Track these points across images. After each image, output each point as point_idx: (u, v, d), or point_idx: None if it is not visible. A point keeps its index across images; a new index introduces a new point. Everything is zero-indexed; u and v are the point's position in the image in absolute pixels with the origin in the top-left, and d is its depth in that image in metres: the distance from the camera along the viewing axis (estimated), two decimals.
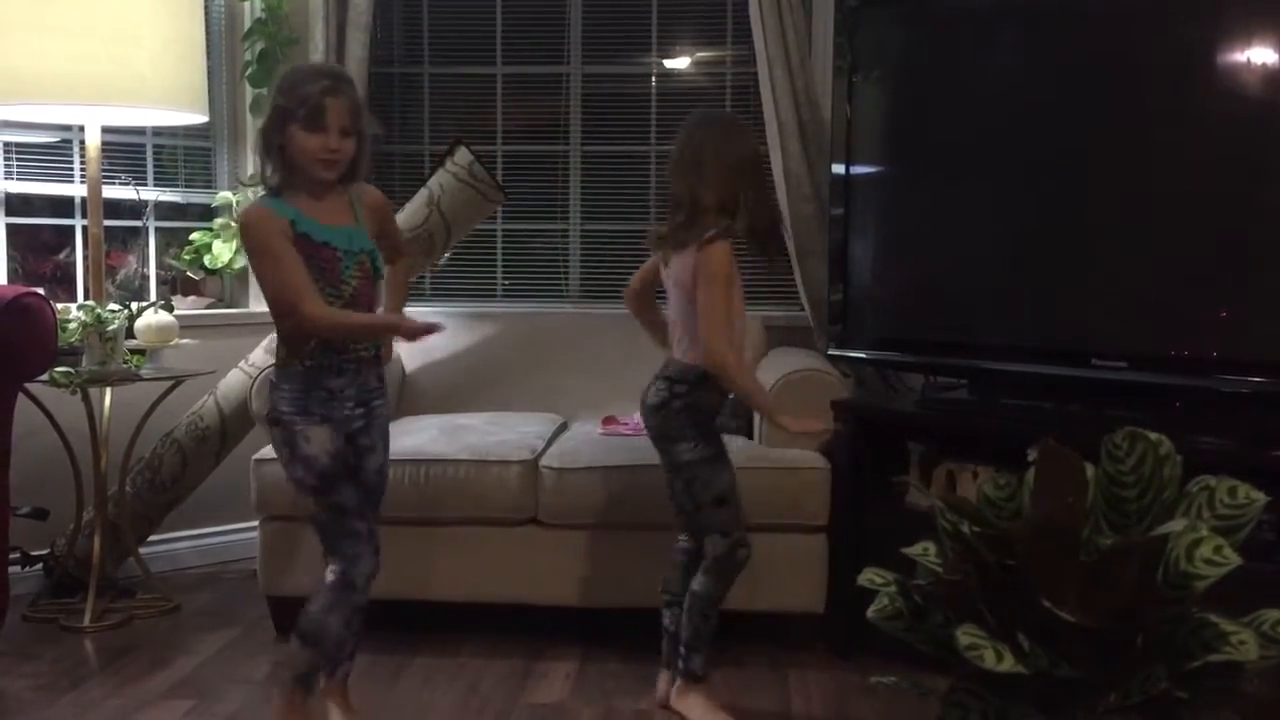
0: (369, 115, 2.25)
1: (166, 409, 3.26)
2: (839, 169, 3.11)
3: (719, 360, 2.38)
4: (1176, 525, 1.56)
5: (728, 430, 3.17)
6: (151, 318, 3.24)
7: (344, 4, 3.67)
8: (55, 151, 3.52)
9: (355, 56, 3.67)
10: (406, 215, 3.36)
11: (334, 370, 2.22)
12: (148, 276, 3.71)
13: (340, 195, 2.24)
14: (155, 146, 3.72)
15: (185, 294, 3.71)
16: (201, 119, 3.28)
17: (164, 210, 3.74)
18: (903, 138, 3.05)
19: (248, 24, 3.72)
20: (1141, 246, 2.57)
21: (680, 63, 3.97)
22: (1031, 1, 2.78)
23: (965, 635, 1.51)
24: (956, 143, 2.89)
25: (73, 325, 3.07)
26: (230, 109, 3.81)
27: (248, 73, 3.69)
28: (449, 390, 3.60)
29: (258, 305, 3.79)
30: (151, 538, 3.46)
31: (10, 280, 3.41)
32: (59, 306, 2.91)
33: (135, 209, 3.63)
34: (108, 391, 3.18)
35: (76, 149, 3.50)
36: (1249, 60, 2.38)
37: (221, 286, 3.82)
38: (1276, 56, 2.34)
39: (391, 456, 2.89)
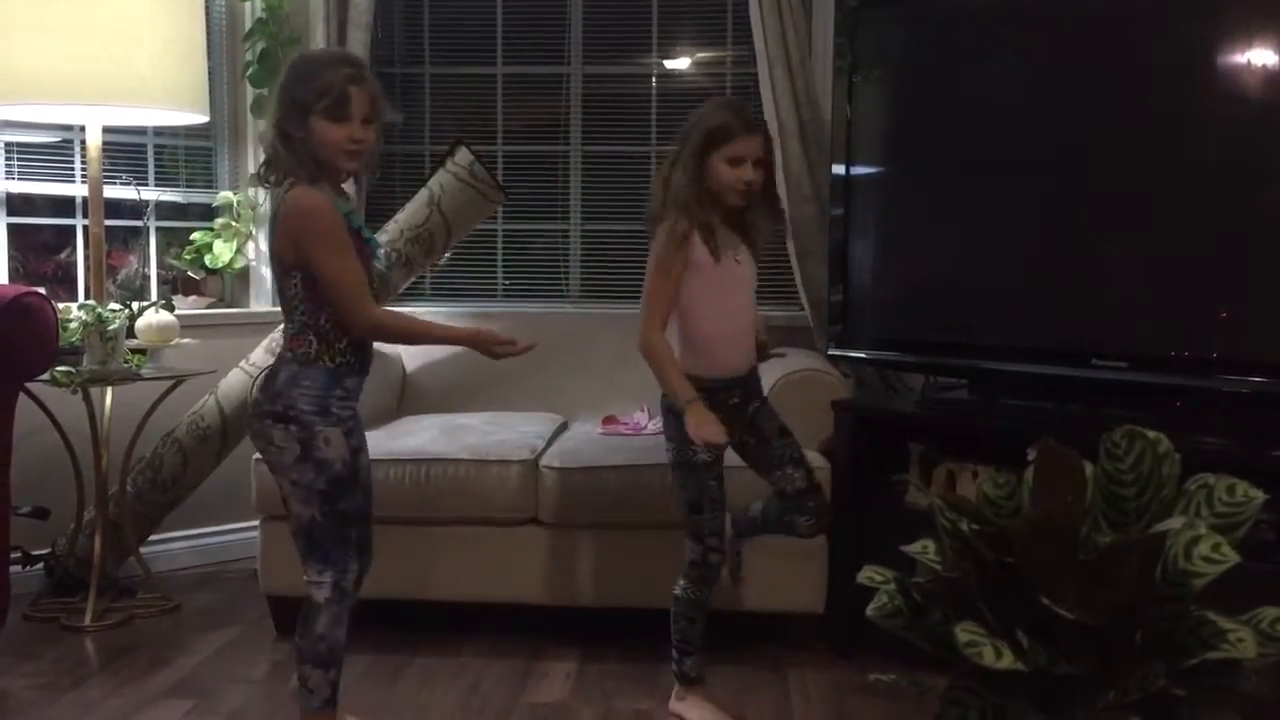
0: (388, 104, 2.17)
1: (167, 409, 3.26)
2: (839, 169, 3.11)
3: (642, 346, 2.37)
4: (1175, 523, 1.56)
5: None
6: (152, 317, 3.25)
7: (345, 4, 3.67)
8: (56, 151, 3.53)
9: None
10: (407, 215, 3.36)
11: (357, 369, 2.18)
12: (148, 276, 3.71)
13: (345, 191, 2.22)
14: (156, 146, 3.73)
15: (186, 294, 3.71)
16: (202, 119, 3.28)
17: (165, 210, 3.74)
18: (903, 138, 3.05)
19: (248, 24, 3.72)
20: (1141, 247, 2.58)
21: (680, 63, 3.97)
22: (1032, 2, 2.78)
23: (964, 632, 1.52)
24: (957, 143, 2.89)
25: (74, 325, 3.08)
26: (231, 109, 3.82)
27: (248, 73, 3.69)
28: (449, 390, 3.60)
29: (258, 305, 3.80)
30: (152, 537, 3.46)
31: (11, 280, 3.41)
32: (60, 306, 2.91)
33: (136, 209, 3.63)
34: (108, 391, 3.18)
35: (77, 149, 3.51)
36: (1249, 61, 2.38)
37: (222, 286, 3.82)
38: (1277, 57, 2.34)
39: (393, 456, 2.93)
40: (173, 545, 3.61)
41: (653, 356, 2.37)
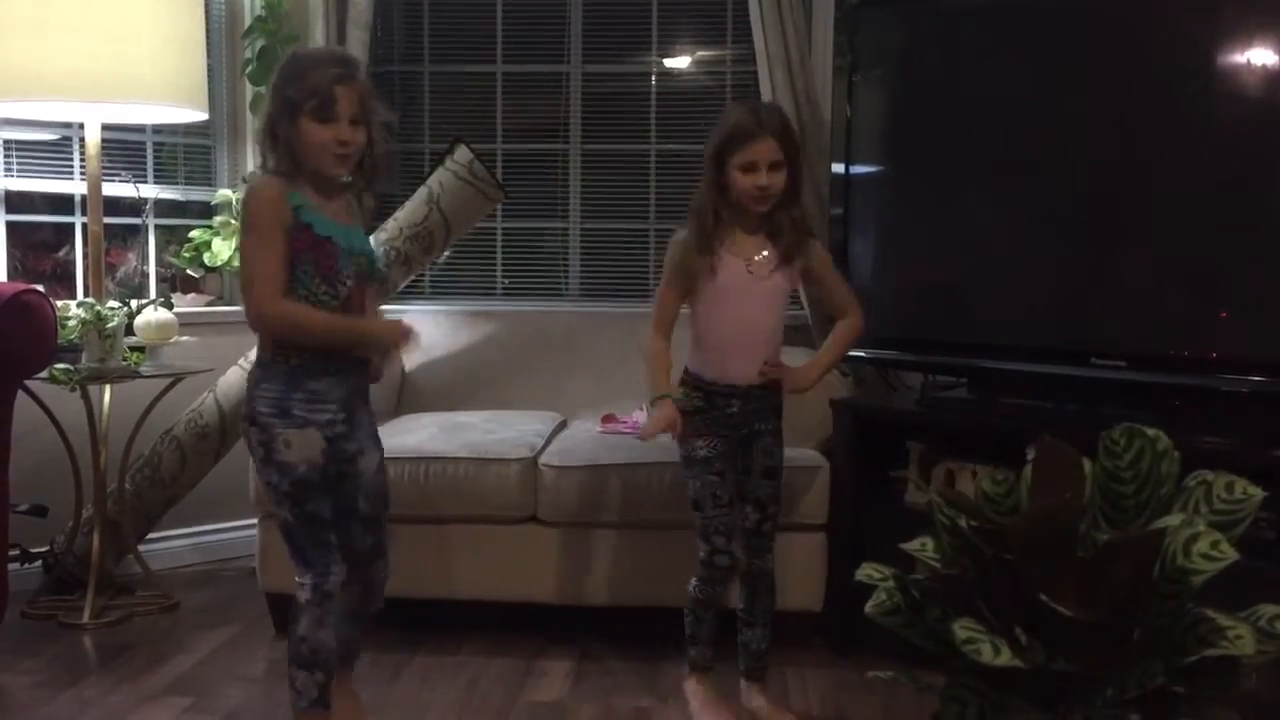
0: (380, 103, 2.14)
1: (166, 406, 3.26)
2: (839, 168, 3.11)
3: (646, 346, 2.43)
4: (1174, 520, 1.56)
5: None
6: (151, 315, 3.25)
7: (344, 2, 3.67)
8: (55, 149, 3.53)
9: (355, 55, 3.67)
10: (406, 213, 3.36)
11: (321, 370, 2.10)
12: (147, 274, 3.71)
13: (344, 194, 2.16)
14: (155, 144, 3.73)
15: (185, 291, 3.71)
16: (201, 116, 3.28)
17: (164, 207, 3.74)
18: (903, 137, 3.05)
19: (248, 21, 3.73)
20: (1141, 246, 2.57)
21: (680, 62, 3.97)
22: (1032, 1, 2.78)
23: (963, 629, 1.51)
24: (956, 142, 2.89)
25: (72, 322, 3.07)
26: (230, 106, 3.82)
27: (248, 70, 3.70)
28: (448, 388, 3.60)
29: None
30: (151, 535, 3.46)
31: (10, 277, 3.41)
32: (59, 304, 2.91)
33: (135, 206, 3.63)
34: (107, 389, 3.18)
35: (76, 146, 3.51)
36: (1250, 61, 2.38)
37: (221, 284, 3.82)
38: (1277, 57, 2.34)
39: (391, 455, 2.90)
40: (171, 543, 3.61)
41: (647, 357, 2.44)
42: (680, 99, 3.93)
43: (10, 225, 3.45)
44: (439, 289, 4.02)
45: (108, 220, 3.32)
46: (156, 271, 3.75)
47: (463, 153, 3.30)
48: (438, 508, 2.92)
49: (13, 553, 2.92)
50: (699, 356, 2.45)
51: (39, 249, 3.59)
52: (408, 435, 3.07)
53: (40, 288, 2.77)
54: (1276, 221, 2.41)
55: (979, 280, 2.87)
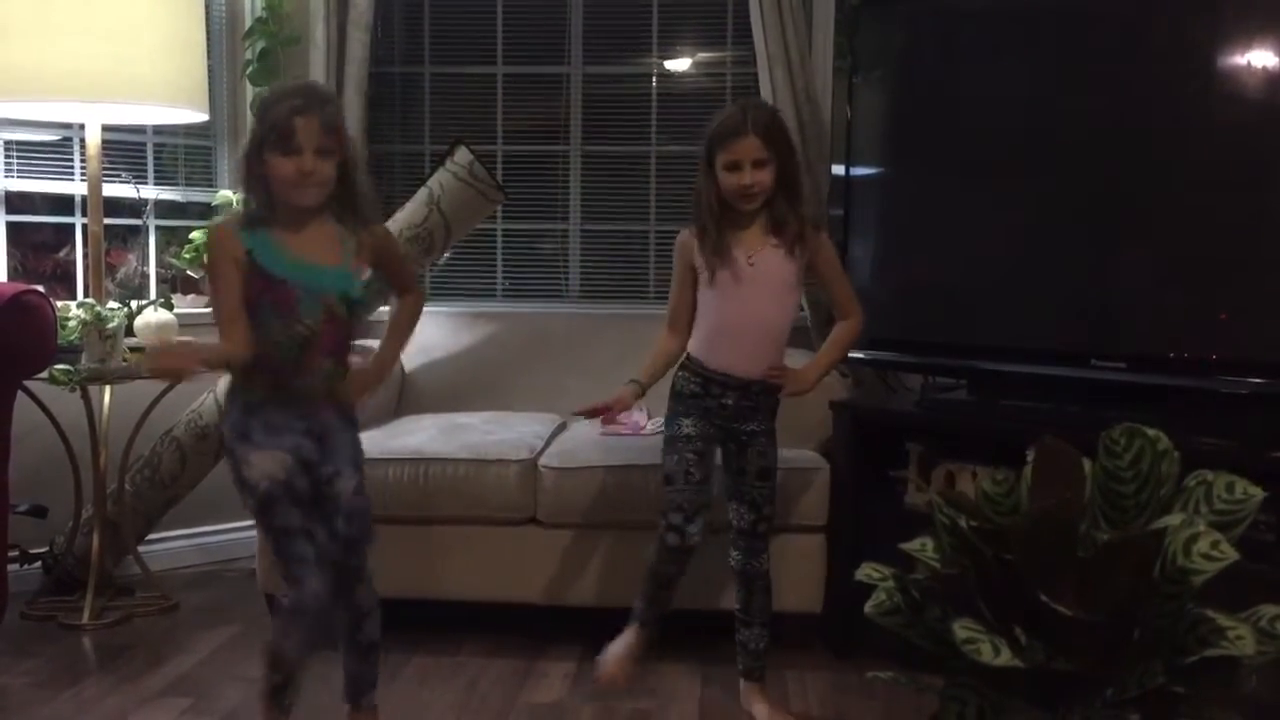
0: (349, 137, 2.11)
1: (166, 407, 3.26)
2: (839, 170, 3.11)
3: None
4: (1174, 520, 1.56)
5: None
6: (151, 316, 3.25)
7: (345, 3, 3.68)
8: (56, 149, 3.53)
9: (356, 56, 3.68)
10: (407, 214, 3.37)
11: (274, 401, 2.11)
12: (147, 275, 3.71)
13: (325, 227, 2.12)
14: (155, 145, 3.73)
15: (185, 292, 3.71)
16: (202, 117, 3.28)
17: (164, 208, 3.74)
18: (903, 138, 3.05)
19: (249, 22, 3.73)
20: (1140, 248, 2.57)
21: (681, 63, 3.98)
22: (1032, 2, 2.78)
23: (962, 629, 1.51)
24: (957, 143, 2.89)
25: (72, 323, 3.07)
26: (231, 107, 3.82)
27: (248, 71, 3.70)
28: (448, 390, 3.60)
29: None
30: (150, 536, 3.46)
31: (10, 278, 3.41)
32: (59, 304, 2.91)
33: (135, 207, 3.63)
34: (107, 389, 3.18)
35: (77, 147, 3.51)
36: (1250, 61, 2.38)
37: None
38: (1278, 58, 2.35)
39: (391, 456, 2.93)
40: (171, 544, 3.60)
41: None
42: (680, 100, 3.93)
43: (10, 226, 3.45)
44: (439, 290, 4.02)
45: (108, 221, 3.32)
46: (157, 272, 3.75)
47: (463, 154, 3.30)
48: (437, 509, 2.92)
49: (12, 553, 2.92)
50: (702, 344, 2.48)
51: (39, 250, 3.59)
52: (408, 436, 3.07)
53: (40, 288, 2.77)
54: (1277, 222, 2.41)
55: (979, 281, 2.87)
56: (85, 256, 3.44)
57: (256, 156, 2.05)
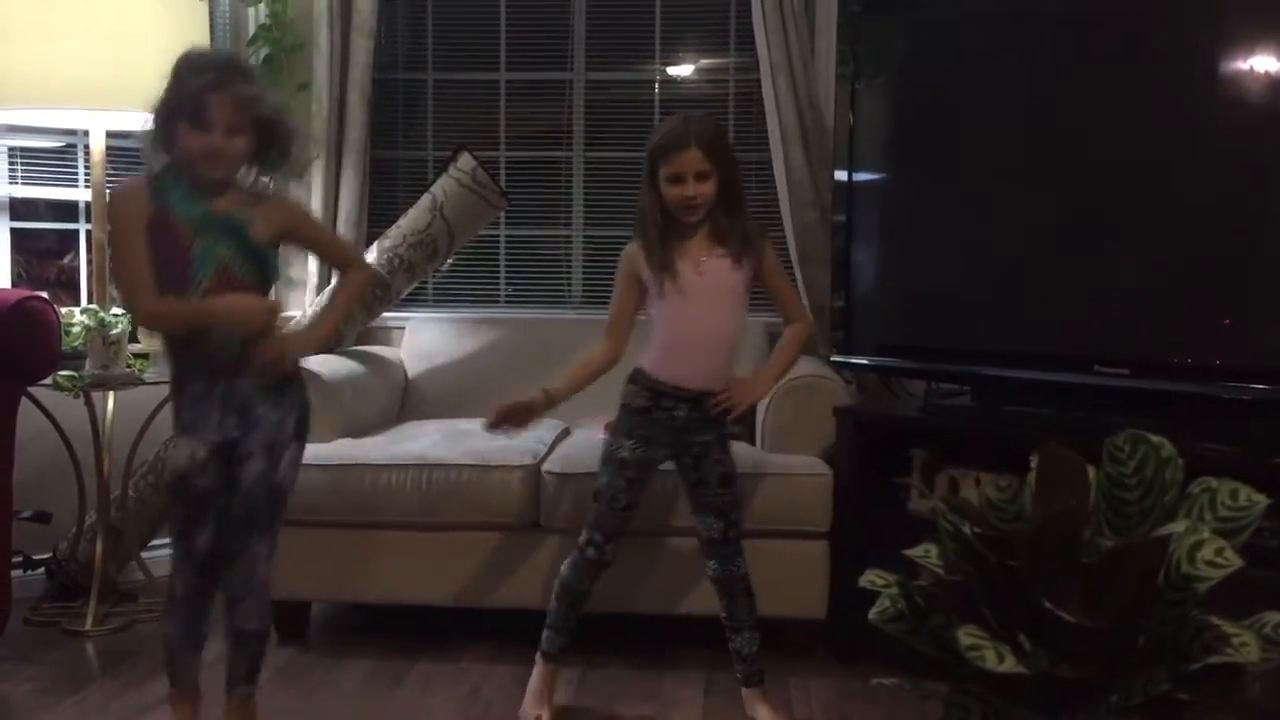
0: (266, 99, 2.09)
1: (169, 413, 3.24)
2: (841, 175, 3.11)
3: None
4: (1178, 527, 1.56)
5: (730, 436, 3.17)
6: None
7: (348, 10, 3.68)
8: (60, 156, 3.53)
9: (359, 62, 3.69)
10: (410, 220, 3.37)
11: (194, 373, 2.12)
12: None
13: (234, 194, 2.11)
14: None
15: None
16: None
17: None
18: (905, 144, 3.05)
19: (252, 29, 3.73)
20: (1144, 253, 2.58)
21: (684, 70, 3.98)
22: (1034, 8, 2.78)
23: (966, 636, 1.51)
24: (959, 149, 2.89)
25: (76, 329, 3.08)
26: None
27: None
28: (451, 395, 3.60)
29: None
30: (154, 542, 3.46)
31: (14, 284, 3.42)
32: (62, 310, 2.92)
33: None
34: (110, 395, 3.19)
35: (81, 153, 3.52)
36: (1253, 66, 2.38)
37: None
38: None
39: (394, 461, 2.93)
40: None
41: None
42: (684, 106, 3.90)
43: (15, 232, 3.46)
44: (442, 296, 4.02)
45: None
46: None
47: (466, 160, 3.31)
48: (440, 514, 2.92)
49: (16, 559, 2.92)
50: (654, 358, 2.49)
51: (43, 256, 3.60)
52: (411, 442, 3.08)
53: (44, 294, 2.78)
54: (1278, 228, 2.41)
55: (982, 287, 2.87)
56: (89, 262, 3.44)
57: (167, 122, 2.03)
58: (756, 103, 3.72)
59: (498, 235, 3.98)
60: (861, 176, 3.07)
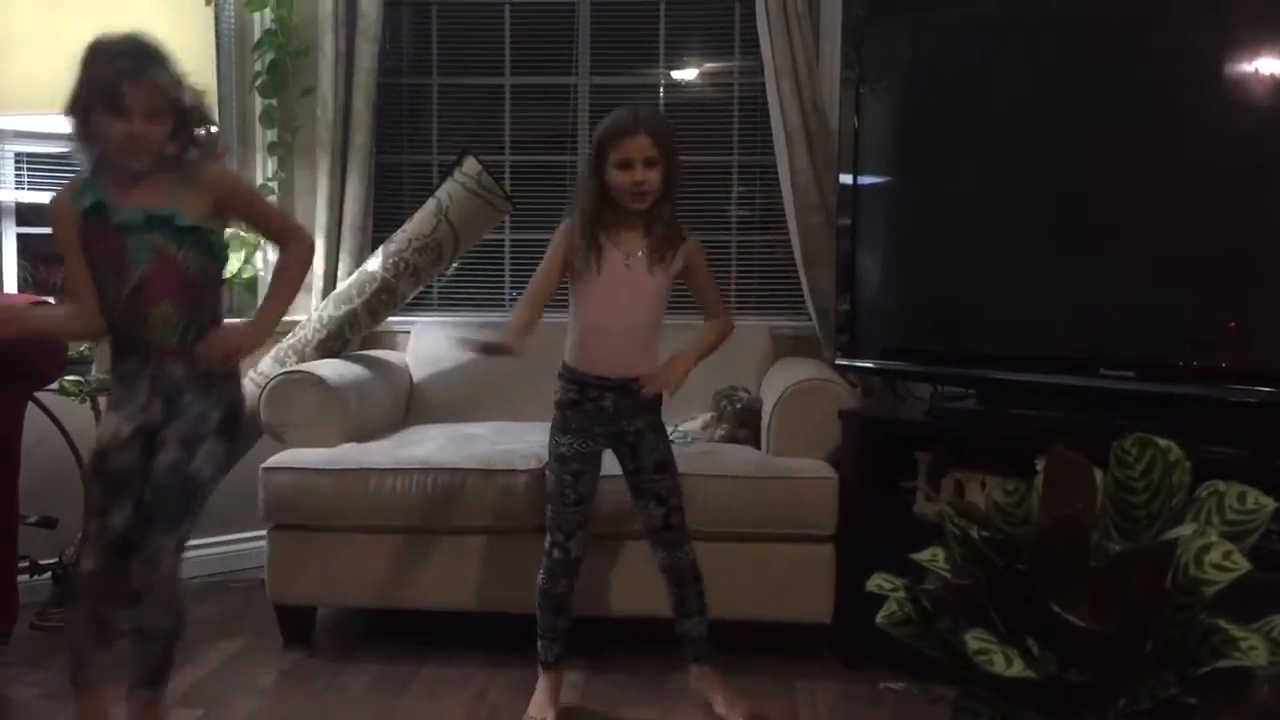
0: (180, 91, 2.09)
1: None
2: (846, 179, 3.11)
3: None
4: (1186, 531, 1.56)
5: (735, 440, 3.18)
6: None
7: (353, 15, 3.69)
8: (66, 161, 3.53)
9: (364, 67, 3.69)
10: (415, 225, 3.38)
11: (128, 352, 2.14)
12: None
13: (158, 176, 2.11)
14: None
15: None
16: (211, 129, 3.28)
17: None
18: (910, 148, 3.05)
19: (258, 34, 3.74)
20: (1150, 256, 2.57)
21: (688, 74, 3.98)
22: (1039, 11, 2.78)
23: (974, 640, 1.51)
24: (964, 152, 2.89)
25: None
26: (240, 119, 3.83)
27: (257, 83, 3.71)
28: (456, 400, 3.60)
29: None
30: None
31: (21, 290, 3.43)
32: None
33: None
34: None
35: None
36: (1258, 68, 2.38)
37: (230, 296, 3.83)
38: None
39: (399, 466, 2.93)
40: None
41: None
42: (688, 110, 3.94)
43: (21, 237, 3.46)
44: (447, 300, 4.03)
45: None
46: None
47: (471, 164, 3.31)
48: (445, 518, 2.92)
49: (22, 564, 2.92)
50: (575, 348, 2.53)
51: (49, 261, 3.60)
52: (416, 446, 3.08)
53: (51, 300, 2.79)
54: None
55: (987, 290, 2.87)
56: None
57: (84, 114, 2.04)
58: (761, 106, 3.72)
59: (502, 239, 3.98)
60: (866, 180, 3.07)
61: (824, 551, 2.88)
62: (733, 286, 3.91)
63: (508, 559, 2.92)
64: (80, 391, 2.99)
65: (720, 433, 3.22)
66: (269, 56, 3.70)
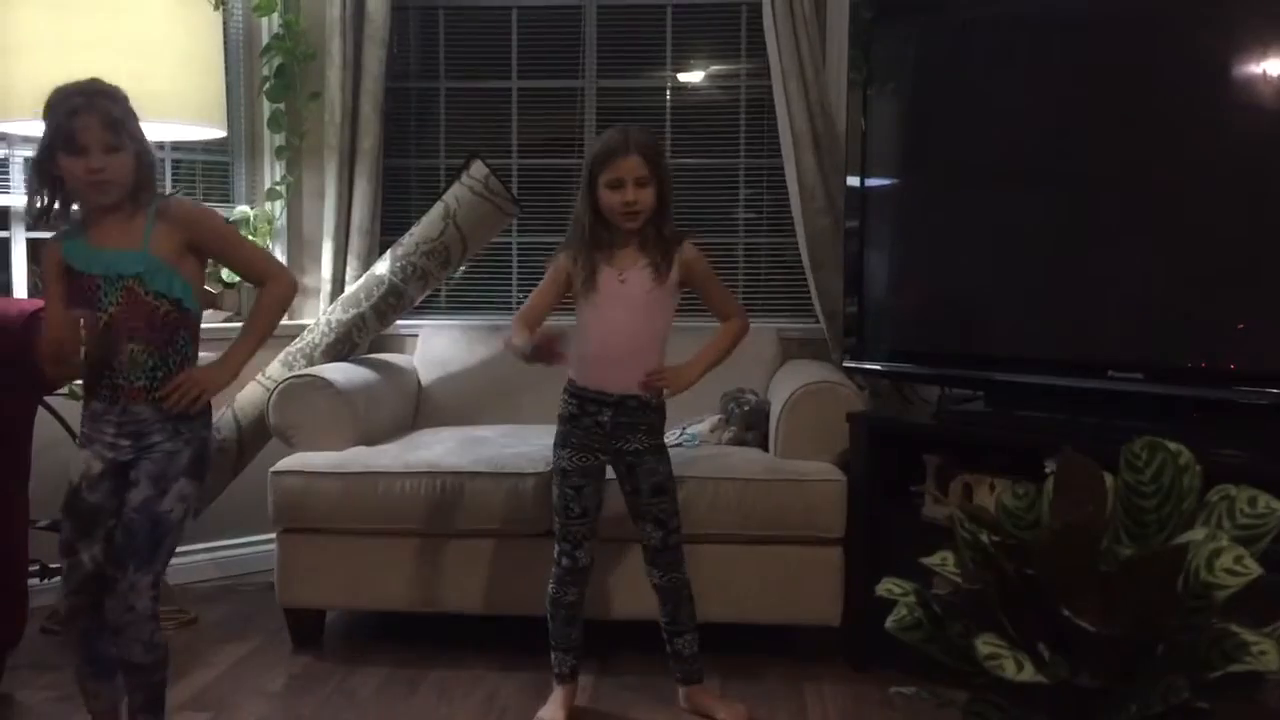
0: (133, 125, 2.10)
1: None
2: (854, 181, 3.11)
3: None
4: (1197, 535, 1.56)
5: (743, 443, 3.18)
6: None
7: (361, 19, 3.70)
8: None
9: (372, 71, 3.70)
10: (423, 228, 3.38)
11: (97, 390, 2.14)
12: None
13: (130, 215, 2.11)
14: (174, 161, 3.75)
15: (203, 307, 3.71)
16: (220, 133, 3.30)
17: None
18: (918, 150, 3.05)
19: (265, 39, 3.75)
20: (1158, 257, 2.57)
21: (695, 76, 3.98)
22: (1047, 13, 2.78)
23: (985, 645, 1.51)
24: (972, 155, 2.89)
25: None
26: (248, 123, 3.84)
27: (266, 87, 3.72)
28: (465, 403, 3.61)
29: None
30: None
31: (31, 295, 3.43)
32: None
33: None
34: None
35: None
36: (1269, 70, 2.37)
37: (239, 300, 3.83)
38: None
39: (408, 469, 2.93)
40: (190, 558, 3.61)
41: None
42: (695, 113, 3.94)
43: (31, 243, 3.47)
44: (455, 304, 4.03)
45: None
46: None
47: (478, 168, 3.32)
48: (454, 521, 2.92)
49: (33, 568, 2.93)
50: (577, 363, 2.54)
51: None
52: (425, 449, 3.08)
53: None
54: None
55: (995, 292, 2.87)
56: None
57: (50, 159, 2.06)
58: (768, 109, 3.72)
59: (510, 242, 3.99)
60: (873, 182, 3.07)
61: (832, 554, 2.88)
62: (740, 289, 3.91)
63: (517, 562, 2.93)
64: None
65: (728, 435, 3.22)
66: (277, 61, 3.70)
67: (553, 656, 2.63)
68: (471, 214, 3.33)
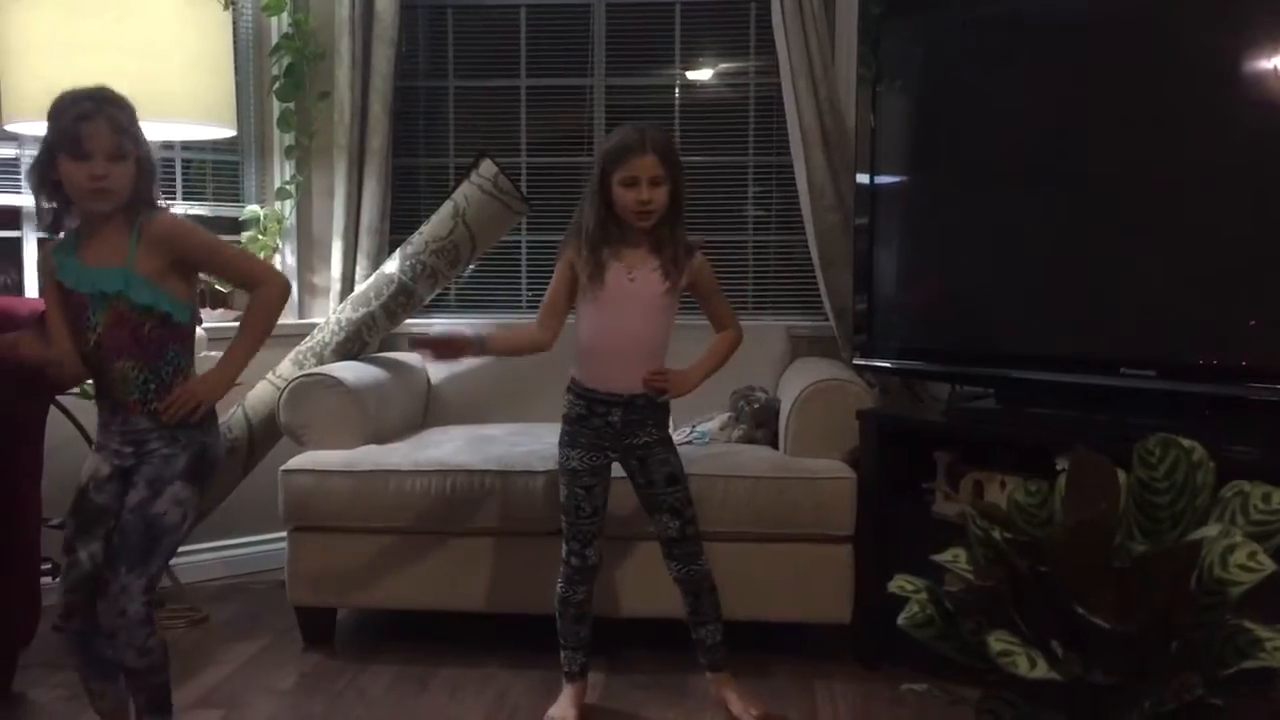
0: (139, 134, 2.10)
1: None
2: (863, 178, 3.11)
3: None
4: (1210, 531, 1.55)
5: (753, 440, 3.17)
6: None
7: (370, 19, 3.70)
8: None
9: (381, 70, 3.70)
10: (432, 227, 3.38)
11: (103, 400, 2.18)
12: None
13: (120, 229, 2.10)
14: (184, 160, 3.76)
15: (214, 306, 3.73)
16: (229, 133, 3.30)
17: None
18: (927, 147, 3.04)
19: (275, 38, 3.76)
20: (1169, 254, 2.56)
21: (703, 74, 3.98)
22: (1056, 11, 2.77)
23: (998, 642, 1.51)
24: (981, 151, 2.88)
25: None
26: (258, 123, 3.85)
27: (275, 87, 3.73)
28: (474, 401, 3.61)
29: (285, 318, 3.78)
30: (180, 548, 3.46)
31: (42, 294, 3.44)
32: None
33: None
34: None
35: None
36: (1276, 67, 2.36)
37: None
38: None
39: (417, 468, 2.93)
40: (200, 556, 3.62)
41: None
42: (704, 111, 3.94)
43: (42, 242, 3.48)
44: (464, 302, 4.03)
45: None
46: None
47: (487, 166, 3.32)
48: (463, 520, 2.93)
49: (45, 567, 2.94)
50: (582, 363, 2.54)
51: None
52: (434, 448, 3.08)
53: None
54: None
55: (1005, 289, 2.86)
56: None
57: (50, 162, 2.07)
58: (777, 106, 3.72)
59: (519, 241, 3.99)
60: (883, 179, 3.07)
61: (842, 552, 2.87)
62: (750, 287, 3.91)
63: (526, 560, 2.93)
64: None
65: (737, 433, 3.21)
66: (286, 60, 3.71)
67: (562, 655, 2.63)
68: (481, 212, 3.33)
